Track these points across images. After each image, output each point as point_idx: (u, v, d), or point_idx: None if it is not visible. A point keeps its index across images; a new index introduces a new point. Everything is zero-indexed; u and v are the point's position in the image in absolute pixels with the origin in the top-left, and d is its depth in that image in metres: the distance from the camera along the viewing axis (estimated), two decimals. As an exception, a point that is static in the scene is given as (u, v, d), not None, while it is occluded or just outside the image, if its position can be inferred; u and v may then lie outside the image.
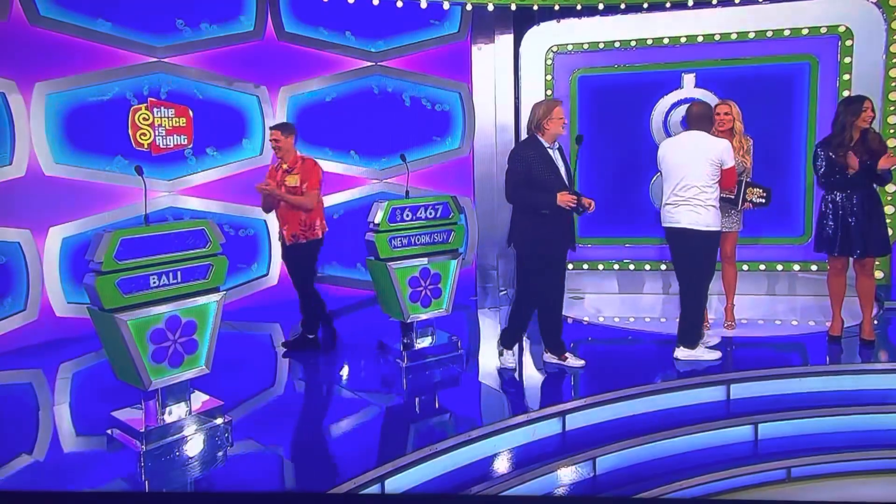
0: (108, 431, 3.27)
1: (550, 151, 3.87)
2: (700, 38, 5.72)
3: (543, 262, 3.95)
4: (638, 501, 3.15)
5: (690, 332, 4.14)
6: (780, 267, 5.67)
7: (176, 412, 3.27)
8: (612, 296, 5.99)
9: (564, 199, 3.76)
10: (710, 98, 5.50)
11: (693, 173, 3.95)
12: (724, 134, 4.53)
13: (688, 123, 4.10)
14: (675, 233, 4.07)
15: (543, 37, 6.03)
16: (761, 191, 4.42)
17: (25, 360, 4.52)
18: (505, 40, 6.23)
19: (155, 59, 5.24)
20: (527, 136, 3.98)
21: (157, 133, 5.26)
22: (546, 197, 3.79)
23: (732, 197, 4.45)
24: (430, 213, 4.37)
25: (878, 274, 5.42)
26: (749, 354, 4.30)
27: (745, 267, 5.41)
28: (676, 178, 4.02)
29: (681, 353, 4.16)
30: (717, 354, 4.14)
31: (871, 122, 4.07)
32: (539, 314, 4.14)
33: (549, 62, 6.04)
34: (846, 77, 5.44)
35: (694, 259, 4.05)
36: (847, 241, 4.11)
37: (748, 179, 4.50)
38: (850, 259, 4.21)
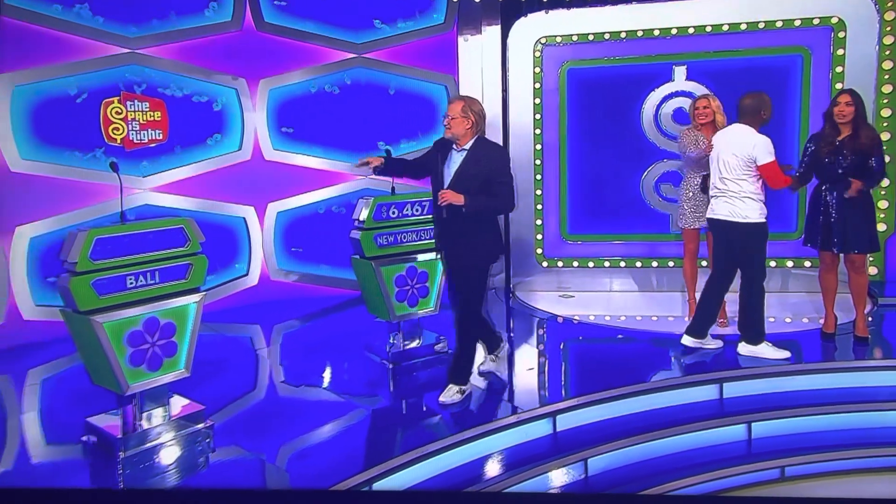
0: (83, 438, 3.26)
1: (452, 153, 3.58)
2: (691, 30, 5.80)
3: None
4: (633, 498, 3.21)
5: (751, 327, 4.19)
6: (772, 263, 5.75)
7: (155, 417, 3.28)
8: (602, 293, 6.04)
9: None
10: (701, 91, 5.59)
11: (727, 166, 4.08)
12: (704, 128, 4.66)
13: (737, 115, 4.16)
14: (715, 224, 4.21)
15: (532, 28, 6.07)
16: None
17: (-7, 366, 4.48)
18: (492, 31, 6.25)
19: (128, 51, 5.21)
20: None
21: (130, 128, 5.24)
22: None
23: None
24: (417, 210, 4.40)
25: (872, 270, 5.55)
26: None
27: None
28: (715, 169, 4.18)
29: (743, 348, 4.24)
30: (783, 354, 4.12)
31: (849, 117, 4.09)
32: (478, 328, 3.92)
33: (538, 54, 6.08)
34: (839, 69, 5.56)
35: (733, 251, 4.14)
36: (828, 235, 4.22)
37: None
38: (841, 255, 4.31)
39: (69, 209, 5.01)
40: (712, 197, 4.25)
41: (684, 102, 5.74)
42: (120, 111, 5.19)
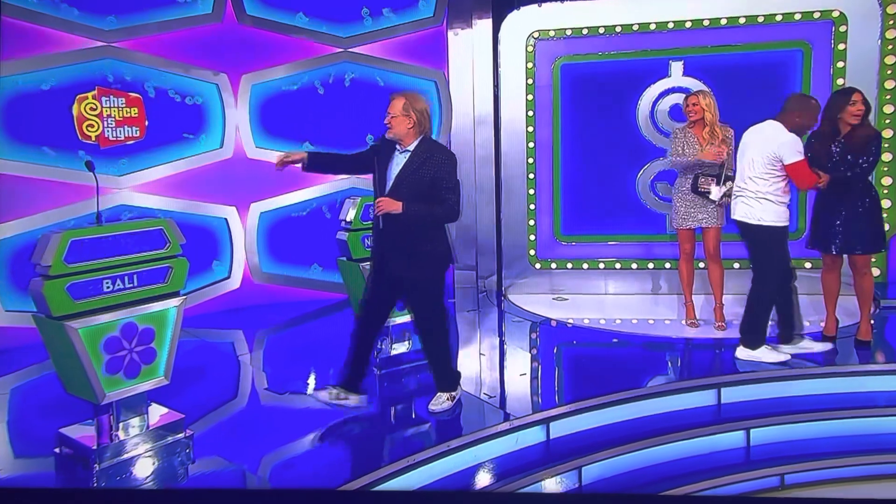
0: (56, 450, 3.23)
1: (397, 154, 3.46)
2: (688, 24, 5.83)
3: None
4: (631, 498, 3.22)
5: (750, 331, 4.16)
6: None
7: (132, 427, 3.24)
8: (596, 296, 6.06)
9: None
10: (698, 87, 5.62)
11: (752, 164, 4.04)
12: (695, 126, 4.71)
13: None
14: (738, 225, 4.19)
15: (524, 22, 6.07)
16: None
17: (-40, 374, 4.43)
18: (483, 25, 6.27)
19: (103, 44, 5.17)
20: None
21: (105, 124, 5.20)
22: None
23: (708, 190, 4.59)
24: (406, 210, 4.40)
25: (875, 271, 5.59)
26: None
27: (735, 265, 5.53)
28: (741, 167, 4.15)
29: (741, 352, 4.21)
30: (782, 357, 4.13)
31: (862, 116, 4.12)
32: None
33: (531, 49, 6.09)
34: (840, 64, 5.61)
35: (750, 253, 4.14)
36: (828, 235, 4.24)
37: (728, 172, 4.61)
38: (844, 256, 4.35)
39: (42, 210, 4.96)
40: (734, 196, 4.22)
41: (681, 99, 5.72)
42: (95, 107, 5.15)
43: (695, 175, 4.70)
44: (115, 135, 5.26)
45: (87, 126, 5.14)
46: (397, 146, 3.46)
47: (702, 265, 5.01)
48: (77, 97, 5.08)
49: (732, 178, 4.42)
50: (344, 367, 3.67)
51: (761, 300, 4.15)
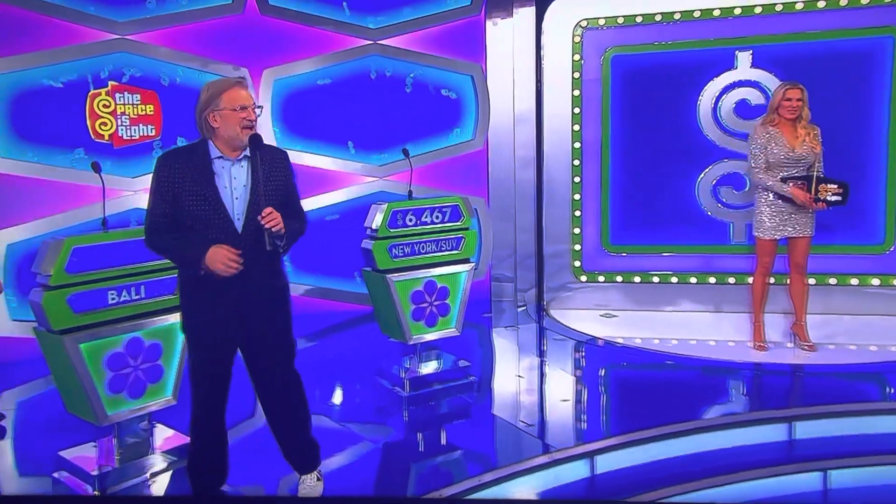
0: (55, 475, 3.26)
1: (221, 164, 2.73)
2: (758, 10, 5.67)
3: (211, 350, 2.83)
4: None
5: None
6: (854, 281, 5.58)
7: (136, 451, 3.26)
8: (649, 313, 5.95)
9: (220, 255, 2.63)
10: (770, 81, 5.47)
11: None
12: (785, 124, 4.54)
13: None
14: None
15: (570, 9, 6.02)
16: (836, 186, 4.40)
17: (-37, 388, 4.53)
18: (525, 14, 6.22)
19: (117, 37, 5.27)
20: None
21: (119, 122, 5.29)
22: (192, 249, 2.68)
23: (798, 196, 4.45)
24: (437, 217, 4.39)
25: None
26: (817, 386, 4.25)
27: (811, 280, 5.34)
28: None
29: None
30: None
31: None
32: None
33: (577, 40, 6.02)
34: (935, 55, 5.39)
35: None
36: None
37: (819, 174, 4.47)
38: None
39: (52, 213, 5.07)
40: None
41: (749, 94, 5.64)
42: (108, 104, 5.25)
43: (781, 180, 4.54)
44: (129, 134, 5.35)
45: (100, 124, 5.24)
46: (221, 156, 2.73)
47: (772, 280, 4.85)
48: (89, 94, 5.18)
49: (826, 180, 4.31)
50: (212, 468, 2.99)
51: None
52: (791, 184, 4.52)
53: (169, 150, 2.82)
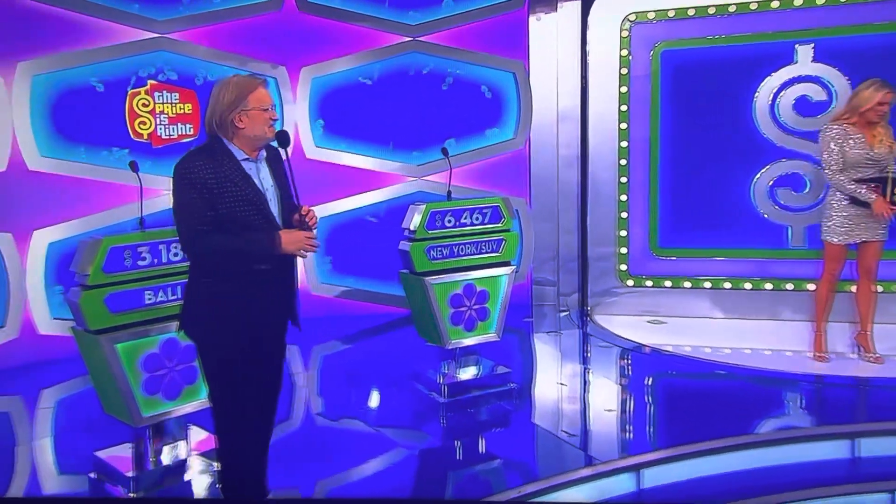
0: (91, 475, 3.30)
1: (249, 166, 2.67)
2: (820, 0, 5.50)
3: (239, 359, 2.68)
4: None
5: None
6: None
7: (171, 453, 3.28)
8: (700, 320, 5.84)
9: (299, 237, 2.64)
10: (833, 76, 5.29)
11: None
12: (867, 127, 4.40)
13: None
14: None
15: (618, 3, 5.96)
16: None
17: (2, 385, 4.63)
18: (570, 8, 6.15)
19: (156, 35, 5.35)
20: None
21: (158, 121, 5.38)
22: (260, 239, 2.62)
23: (872, 199, 4.33)
24: (477, 219, 4.37)
25: None
26: (884, 399, 4.11)
27: (878, 288, 5.14)
28: None
29: None
30: None
31: None
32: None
33: (626, 34, 5.95)
34: None
35: None
36: None
37: (893, 175, 4.34)
38: None
39: (93, 212, 5.17)
40: None
41: (809, 90, 5.50)
42: (147, 103, 5.33)
43: (855, 181, 4.38)
44: (167, 133, 5.43)
45: (139, 123, 5.33)
46: (246, 156, 2.67)
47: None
48: (129, 93, 5.27)
49: None
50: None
51: None
52: (865, 188, 4.36)
53: (188, 155, 2.63)
